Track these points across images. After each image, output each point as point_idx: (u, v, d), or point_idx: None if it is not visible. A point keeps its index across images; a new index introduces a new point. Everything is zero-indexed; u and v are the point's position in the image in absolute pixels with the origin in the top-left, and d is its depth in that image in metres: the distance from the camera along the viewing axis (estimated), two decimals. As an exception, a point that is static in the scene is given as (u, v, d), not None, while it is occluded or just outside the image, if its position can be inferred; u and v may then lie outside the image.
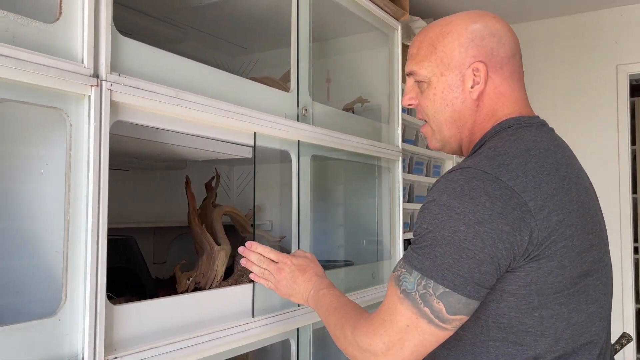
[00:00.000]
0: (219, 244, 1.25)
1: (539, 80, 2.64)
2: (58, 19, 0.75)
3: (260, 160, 1.51)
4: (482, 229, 0.71)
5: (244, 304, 1.07)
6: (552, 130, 0.88)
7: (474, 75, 0.85)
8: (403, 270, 0.77)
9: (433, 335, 0.75)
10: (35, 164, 0.79)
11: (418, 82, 0.91)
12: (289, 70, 1.70)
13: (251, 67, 1.88)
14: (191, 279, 1.21)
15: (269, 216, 1.79)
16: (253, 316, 1.08)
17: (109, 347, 0.79)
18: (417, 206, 2.05)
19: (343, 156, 1.46)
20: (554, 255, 0.74)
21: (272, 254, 1.06)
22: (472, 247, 0.72)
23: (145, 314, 0.86)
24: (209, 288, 1.16)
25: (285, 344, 1.24)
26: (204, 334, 0.94)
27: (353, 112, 1.71)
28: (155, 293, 1.17)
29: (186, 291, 1.17)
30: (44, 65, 0.70)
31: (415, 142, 2.04)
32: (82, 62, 0.76)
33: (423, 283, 0.74)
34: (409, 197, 2.02)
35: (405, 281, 0.76)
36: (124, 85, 0.81)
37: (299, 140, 1.25)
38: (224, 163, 1.78)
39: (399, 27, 1.73)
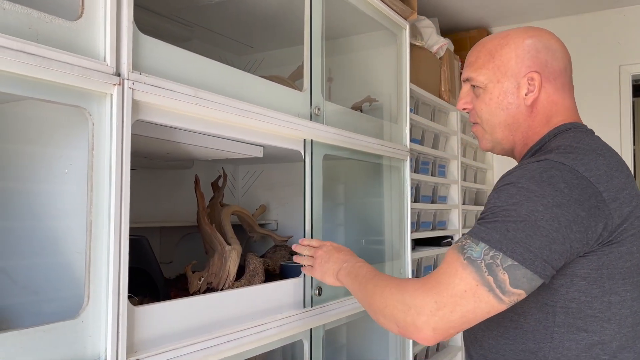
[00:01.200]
0: (229, 244, 1.25)
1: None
2: (80, 16, 0.74)
3: (267, 160, 1.51)
4: (559, 212, 0.76)
5: (258, 304, 1.07)
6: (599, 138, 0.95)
7: (529, 84, 0.92)
8: (469, 241, 0.80)
9: (488, 305, 0.77)
10: (59, 163, 0.78)
11: (474, 87, 0.98)
12: (297, 69, 1.69)
13: (257, 66, 1.87)
14: (202, 279, 1.20)
15: (274, 216, 1.79)
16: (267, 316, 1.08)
17: (130, 349, 0.78)
18: (423, 206, 2.05)
19: (353, 155, 1.45)
20: (624, 241, 0.80)
21: (314, 241, 1.16)
22: (548, 226, 0.76)
23: (165, 315, 0.85)
24: (222, 288, 1.15)
25: (294, 344, 1.23)
26: (222, 334, 0.93)
27: (361, 111, 1.70)
28: (167, 293, 1.16)
29: (198, 291, 1.17)
30: (67, 63, 0.70)
31: (421, 142, 2.03)
32: (105, 61, 0.76)
33: (491, 254, 0.77)
34: (416, 197, 2.02)
35: (471, 250, 0.79)
36: (144, 84, 0.80)
37: (312, 140, 1.25)
38: (229, 162, 1.77)
39: (407, 26, 1.73)
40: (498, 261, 0.76)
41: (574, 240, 0.77)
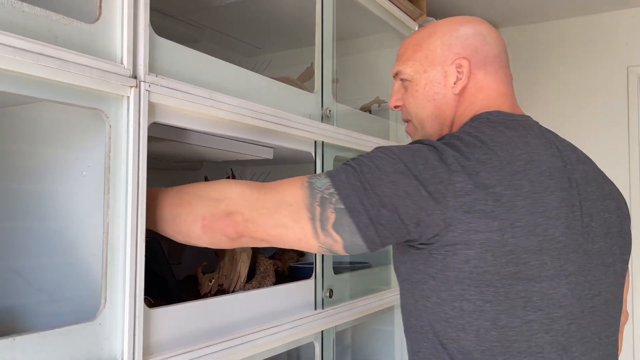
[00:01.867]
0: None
1: (549, 81, 2.64)
2: (98, 19, 0.74)
3: (275, 161, 1.51)
4: (403, 180, 0.73)
5: (270, 307, 1.07)
6: (536, 129, 0.86)
7: (457, 71, 0.87)
8: (322, 174, 0.79)
9: (303, 231, 0.76)
10: (76, 166, 0.78)
11: (403, 81, 0.94)
12: (306, 70, 1.69)
13: (265, 67, 1.88)
14: (213, 280, 1.20)
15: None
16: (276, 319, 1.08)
17: (146, 350, 0.78)
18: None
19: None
20: (472, 244, 0.73)
21: None
22: (386, 188, 0.73)
23: (180, 317, 0.85)
24: (233, 290, 1.15)
25: (301, 346, 1.23)
26: (236, 337, 0.93)
27: (370, 112, 1.70)
28: (179, 295, 1.16)
29: (209, 293, 1.17)
30: (86, 66, 0.70)
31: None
32: (122, 63, 0.76)
33: (330, 191, 0.75)
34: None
35: (318, 179, 0.78)
36: (160, 86, 0.81)
37: (322, 142, 1.25)
38: (238, 163, 1.77)
39: (416, 28, 1.73)
40: (333, 200, 0.75)
41: (404, 215, 0.73)
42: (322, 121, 1.24)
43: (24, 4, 0.65)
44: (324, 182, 0.76)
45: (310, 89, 1.41)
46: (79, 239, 0.78)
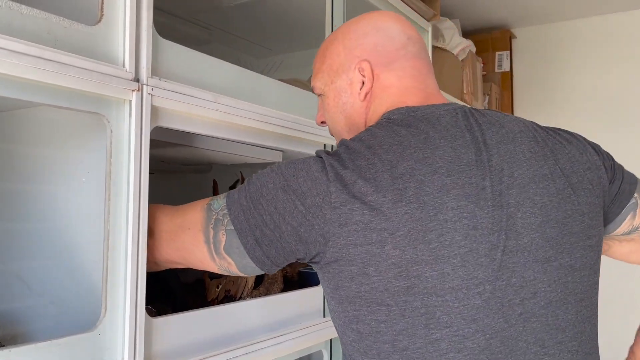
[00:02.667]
0: (248, 251, 1.22)
1: (565, 82, 2.59)
2: (99, 21, 0.72)
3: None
4: (281, 196, 0.70)
5: (278, 314, 1.04)
6: (483, 116, 0.76)
7: (362, 75, 0.80)
8: (223, 194, 0.77)
9: (202, 254, 0.75)
10: (76, 171, 0.77)
11: (320, 96, 0.88)
12: (317, 72, 1.67)
13: (276, 69, 1.86)
14: (220, 286, 1.18)
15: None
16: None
17: (148, 362, 0.76)
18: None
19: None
20: (353, 259, 0.67)
21: None
22: (267, 206, 0.71)
23: (183, 326, 0.83)
24: (240, 296, 1.13)
25: (316, 355, 1.21)
26: (242, 346, 0.91)
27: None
28: (185, 301, 1.15)
29: (216, 299, 1.15)
30: (86, 69, 0.68)
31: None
32: (124, 66, 0.74)
33: (224, 212, 0.74)
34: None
35: (217, 200, 0.76)
36: (164, 89, 0.79)
37: (332, 145, 1.22)
38: (248, 166, 1.75)
39: (430, 28, 1.69)
40: (225, 221, 0.73)
41: (285, 233, 0.70)
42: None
43: (23, 5, 0.64)
44: (220, 203, 0.75)
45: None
46: (80, 245, 0.76)
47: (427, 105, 0.77)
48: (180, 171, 1.64)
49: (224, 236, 0.73)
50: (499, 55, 2.55)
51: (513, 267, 0.69)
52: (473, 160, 0.71)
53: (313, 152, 1.19)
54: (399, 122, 0.75)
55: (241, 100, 0.93)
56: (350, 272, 0.68)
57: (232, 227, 0.72)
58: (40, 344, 0.65)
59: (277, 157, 1.31)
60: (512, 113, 2.65)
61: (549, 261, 0.71)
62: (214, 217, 0.74)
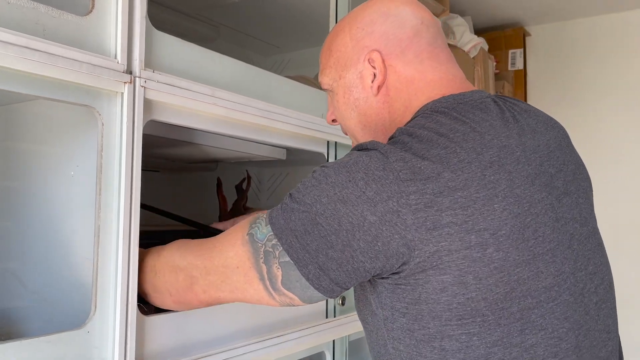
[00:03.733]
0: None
1: (581, 80, 2.53)
2: (91, 11, 0.70)
3: (291, 162, 1.47)
4: (342, 210, 0.60)
5: (278, 314, 1.02)
6: (515, 104, 0.72)
7: (372, 67, 0.73)
8: (264, 215, 0.67)
9: (258, 293, 0.67)
10: (65, 165, 0.75)
11: (329, 92, 0.81)
12: (324, 69, 1.65)
13: (284, 66, 1.84)
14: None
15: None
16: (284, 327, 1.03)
17: (140, 361, 0.74)
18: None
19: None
20: (447, 267, 0.58)
21: None
22: (326, 225, 0.60)
23: (178, 325, 0.81)
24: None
25: (318, 356, 1.18)
26: (240, 346, 0.89)
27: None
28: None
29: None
30: (75, 60, 0.66)
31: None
32: (115, 58, 0.72)
33: (273, 242, 0.64)
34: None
35: (258, 227, 0.66)
36: (157, 82, 0.77)
37: (335, 142, 1.19)
38: (254, 164, 1.73)
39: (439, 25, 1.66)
40: (277, 253, 0.63)
41: (357, 250, 0.59)
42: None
43: (10, -6, 0.62)
44: (264, 233, 0.65)
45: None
46: (71, 241, 0.75)
47: (470, 92, 0.71)
48: (186, 169, 1.63)
49: (279, 270, 0.63)
50: (512, 53, 2.51)
51: (587, 255, 0.66)
52: (533, 147, 0.67)
53: (315, 149, 1.17)
54: (453, 109, 0.67)
55: (241, 95, 0.91)
56: (442, 283, 0.59)
57: (287, 259, 0.63)
58: (28, 340, 0.63)
59: (281, 155, 1.29)
60: (526, 112, 2.60)
61: (602, 244, 0.71)
62: (262, 250, 0.65)
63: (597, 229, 0.72)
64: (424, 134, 0.63)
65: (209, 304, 0.74)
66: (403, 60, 0.73)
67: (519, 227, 0.60)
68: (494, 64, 2.31)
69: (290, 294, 0.65)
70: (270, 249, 0.64)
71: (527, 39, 2.61)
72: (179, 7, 1.44)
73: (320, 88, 0.84)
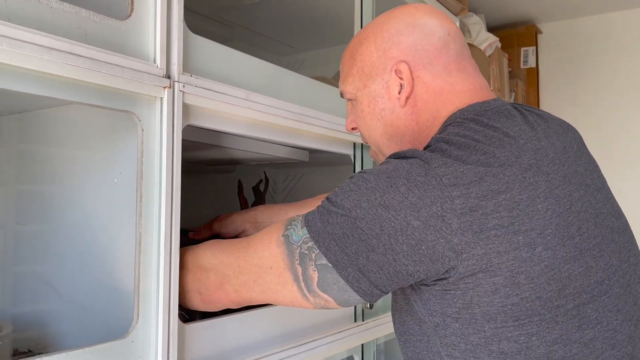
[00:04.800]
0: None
1: (597, 76, 2.52)
2: (130, 15, 0.69)
3: (310, 163, 1.46)
4: (384, 215, 0.60)
5: (309, 319, 1.01)
6: (531, 110, 0.73)
7: (399, 78, 0.73)
8: (300, 218, 0.67)
9: (291, 294, 0.67)
10: (107, 172, 0.74)
11: (351, 101, 0.81)
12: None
13: (298, 66, 1.83)
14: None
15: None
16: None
17: (180, 369, 0.73)
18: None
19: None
20: (498, 269, 0.59)
21: None
22: (367, 229, 0.61)
23: (215, 333, 0.80)
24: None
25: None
26: (273, 352, 0.88)
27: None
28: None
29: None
30: (118, 65, 0.65)
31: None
32: (155, 62, 0.71)
33: (309, 244, 0.64)
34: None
35: (294, 229, 0.66)
36: (195, 86, 0.75)
37: (362, 144, 1.18)
38: (271, 165, 1.72)
39: (457, 23, 1.65)
40: (313, 255, 0.64)
41: (400, 254, 0.60)
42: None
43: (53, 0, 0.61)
44: (300, 235, 0.65)
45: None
46: (111, 249, 0.74)
47: (493, 100, 0.73)
48: (204, 172, 1.62)
49: (315, 272, 0.64)
50: (524, 51, 2.49)
51: (627, 247, 0.69)
52: (562, 148, 0.69)
53: (342, 151, 1.16)
54: (482, 116, 0.68)
55: (273, 98, 0.90)
56: (493, 285, 0.60)
57: (325, 261, 0.63)
58: (71, 352, 0.62)
59: (304, 157, 1.28)
60: (538, 110, 2.59)
61: (634, 235, 0.73)
62: (297, 252, 0.65)
63: (628, 222, 0.74)
64: (460, 140, 0.64)
65: (239, 304, 0.74)
66: (431, 71, 0.73)
67: (563, 225, 0.62)
68: (507, 62, 2.29)
69: (326, 296, 0.65)
70: (306, 251, 0.65)
71: (539, 36, 2.60)
72: (195, 7, 1.43)
73: (341, 96, 0.83)
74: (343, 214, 0.63)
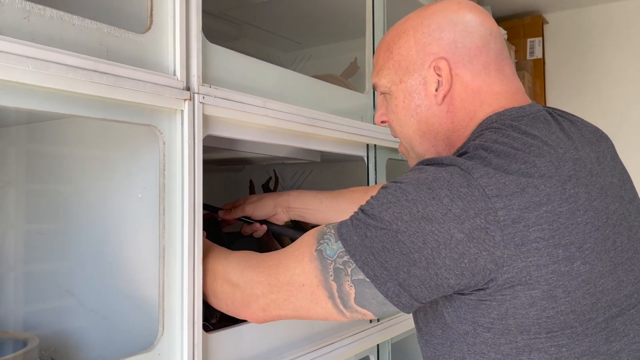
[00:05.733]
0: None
1: (604, 66, 2.51)
2: (149, 28, 0.69)
3: (322, 164, 1.46)
4: (427, 227, 0.59)
5: (326, 323, 1.02)
6: (564, 116, 0.72)
7: (437, 75, 0.72)
8: (332, 231, 0.66)
9: (325, 311, 0.66)
10: (130, 185, 0.74)
11: (383, 95, 0.80)
12: (350, 66, 1.63)
13: (305, 62, 1.82)
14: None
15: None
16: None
17: (205, 379, 0.74)
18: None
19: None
20: (536, 282, 0.59)
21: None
22: (409, 243, 0.59)
23: (237, 339, 0.81)
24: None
25: None
26: (295, 356, 0.89)
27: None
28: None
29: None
30: (140, 80, 0.65)
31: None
32: (175, 75, 0.71)
33: (344, 258, 0.63)
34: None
35: (327, 243, 0.65)
36: (215, 97, 0.75)
37: (375, 145, 1.18)
38: (280, 163, 1.73)
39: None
40: (349, 270, 0.62)
41: (442, 268, 0.59)
42: (374, 123, 1.18)
43: (74, 16, 0.61)
44: (334, 249, 0.64)
45: (355, 85, 1.35)
46: (134, 261, 0.74)
47: (529, 105, 0.72)
48: (213, 170, 1.62)
49: (352, 288, 0.62)
50: (530, 41, 2.48)
51: None
52: (597, 158, 0.68)
53: (355, 153, 1.16)
54: (520, 121, 0.67)
55: (289, 104, 0.90)
56: (530, 297, 0.59)
57: (362, 276, 0.62)
58: (101, 367, 0.63)
59: (316, 157, 1.28)
60: (545, 102, 2.58)
61: None
62: (332, 267, 0.63)
63: None
64: (500, 148, 0.63)
65: (265, 322, 0.74)
66: (472, 70, 0.72)
67: (601, 239, 0.62)
68: (514, 53, 2.28)
69: (365, 311, 0.64)
70: (341, 266, 0.63)
71: (545, 27, 2.58)
72: (204, 7, 1.42)
73: (374, 88, 0.82)
74: (382, 227, 0.61)
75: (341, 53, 1.69)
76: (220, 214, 1.04)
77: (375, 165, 1.19)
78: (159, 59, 0.70)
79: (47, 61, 0.56)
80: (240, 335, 0.82)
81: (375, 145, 1.18)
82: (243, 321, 0.91)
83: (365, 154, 1.17)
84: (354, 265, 0.62)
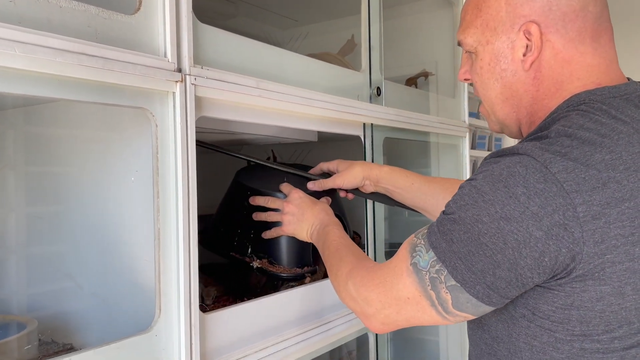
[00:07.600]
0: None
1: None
2: (138, 9, 0.68)
3: (319, 141, 1.45)
4: (507, 227, 0.59)
5: (324, 300, 1.03)
6: None
7: (527, 39, 0.68)
8: (422, 241, 0.68)
9: (432, 318, 0.68)
10: (123, 169, 0.74)
11: (468, 52, 0.77)
12: (347, 43, 1.61)
13: (302, 40, 1.80)
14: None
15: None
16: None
17: (203, 358, 0.75)
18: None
19: (411, 136, 1.38)
20: (608, 278, 0.59)
21: (284, 186, 1.03)
22: (492, 244, 0.60)
23: (234, 319, 0.82)
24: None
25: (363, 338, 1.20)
26: (291, 335, 0.90)
27: (416, 86, 1.61)
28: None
29: (258, 284, 1.13)
30: (129, 62, 0.64)
31: (477, 115, 1.93)
32: (165, 56, 0.70)
33: (437, 267, 0.65)
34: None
35: (420, 255, 0.67)
36: (207, 78, 0.75)
37: (372, 124, 1.18)
38: (279, 144, 1.72)
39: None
40: (442, 277, 0.64)
41: (524, 268, 0.60)
42: (370, 101, 1.17)
43: (61, -2, 0.60)
44: (426, 259, 0.66)
45: (353, 63, 1.34)
46: (131, 244, 0.75)
47: (625, 84, 0.68)
48: (210, 151, 1.61)
49: (448, 294, 0.64)
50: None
51: None
52: None
53: (352, 132, 1.16)
54: (610, 105, 0.64)
55: (282, 84, 0.89)
56: (600, 292, 0.60)
57: (454, 282, 0.63)
58: (99, 349, 0.63)
59: (312, 137, 1.27)
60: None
61: None
62: (427, 277, 0.65)
63: None
64: (585, 135, 0.61)
65: (388, 332, 0.80)
66: (564, 36, 0.68)
67: None
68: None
69: (464, 314, 0.66)
70: (435, 275, 0.65)
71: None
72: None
73: (459, 44, 0.79)
74: (465, 230, 0.62)
75: (338, 30, 1.68)
76: (309, 185, 1.07)
77: (372, 145, 1.18)
78: (149, 41, 0.69)
79: (34, 45, 0.55)
80: (237, 314, 0.83)
81: (372, 124, 1.18)
82: (240, 301, 0.92)
83: (362, 133, 1.16)
84: (446, 272, 0.64)
